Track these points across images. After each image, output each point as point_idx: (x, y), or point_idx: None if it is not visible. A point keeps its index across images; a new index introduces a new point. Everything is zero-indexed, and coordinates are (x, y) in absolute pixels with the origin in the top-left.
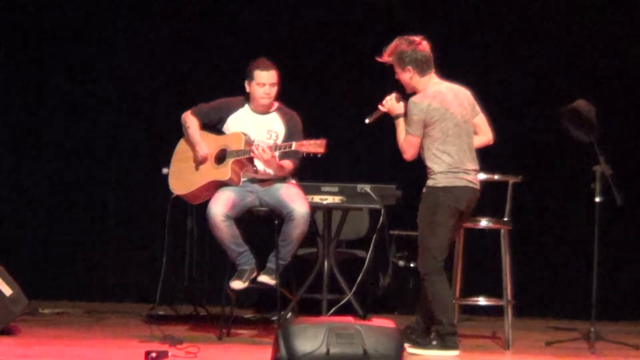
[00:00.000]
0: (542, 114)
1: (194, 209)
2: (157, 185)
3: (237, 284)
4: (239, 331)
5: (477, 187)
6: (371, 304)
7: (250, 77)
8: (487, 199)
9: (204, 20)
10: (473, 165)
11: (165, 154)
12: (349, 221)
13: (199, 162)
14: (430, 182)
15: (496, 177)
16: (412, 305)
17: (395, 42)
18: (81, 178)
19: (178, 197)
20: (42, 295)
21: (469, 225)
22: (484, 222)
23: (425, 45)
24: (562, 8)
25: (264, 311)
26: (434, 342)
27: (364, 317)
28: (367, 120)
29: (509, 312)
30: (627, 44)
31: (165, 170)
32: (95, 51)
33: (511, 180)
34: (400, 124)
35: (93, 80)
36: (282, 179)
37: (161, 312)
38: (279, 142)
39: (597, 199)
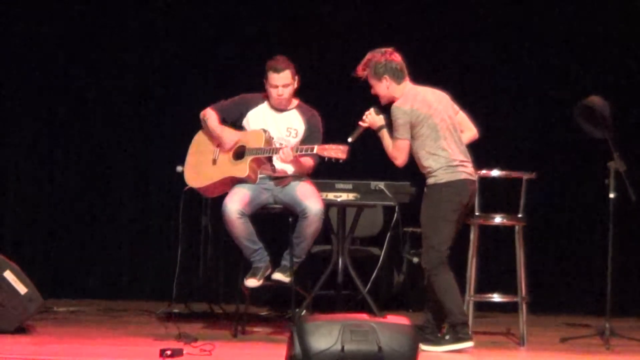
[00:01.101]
0: (556, 111)
1: (209, 207)
2: (171, 182)
3: (251, 282)
4: (254, 329)
5: (475, 178)
6: (385, 301)
7: (265, 77)
8: (502, 195)
9: (220, 14)
10: (466, 158)
11: (180, 151)
12: (363, 218)
13: (219, 154)
14: (431, 181)
15: (510, 173)
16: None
17: (368, 56)
18: (95, 176)
19: (192, 190)
20: (57, 293)
21: (483, 222)
22: (498, 219)
23: (397, 55)
24: (578, 2)
25: (278, 309)
26: (447, 337)
27: (378, 314)
28: (349, 139)
29: (524, 308)
30: None
31: (179, 168)
32: (109, 48)
33: (525, 176)
34: (385, 135)
35: (106, 76)
36: (298, 177)
37: (176, 310)
38: (298, 139)
39: (612, 195)
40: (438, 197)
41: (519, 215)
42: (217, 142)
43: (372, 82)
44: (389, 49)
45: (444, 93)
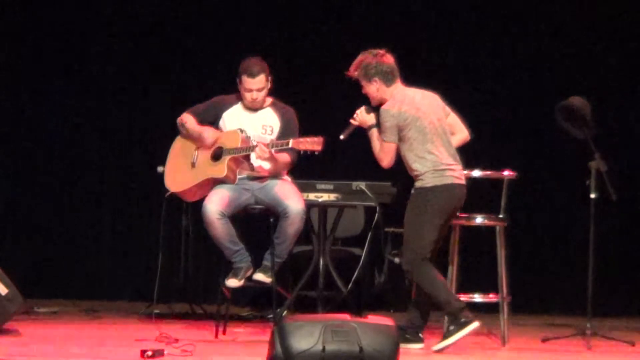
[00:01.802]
0: (537, 110)
1: (189, 207)
2: (152, 183)
3: (232, 282)
4: (235, 329)
5: (464, 182)
6: (367, 301)
7: (239, 79)
8: (483, 195)
9: (200, 16)
10: (455, 161)
11: (161, 152)
12: (344, 219)
13: (198, 157)
14: (418, 184)
15: (491, 173)
16: (408, 302)
17: (360, 57)
18: (76, 176)
19: (173, 195)
20: (38, 294)
21: (464, 222)
22: (479, 219)
23: (389, 57)
24: (558, 2)
25: (259, 309)
26: (451, 328)
27: (359, 315)
28: (341, 137)
29: (505, 308)
30: (624, 39)
31: (160, 169)
32: (90, 48)
33: (506, 176)
34: (374, 134)
35: (87, 78)
36: (276, 176)
37: (157, 311)
38: (274, 136)
39: (592, 195)
40: (424, 201)
41: (500, 216)
42: (197, 144)
43: (363, 83)
44: (381, 51)
45: (434, 95)
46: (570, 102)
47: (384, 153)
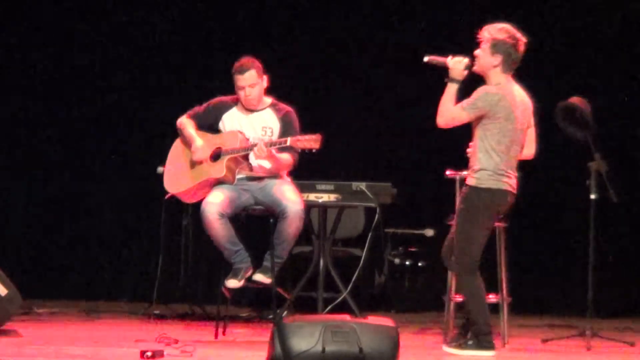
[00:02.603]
0: (537, 111)
1: (190, 208)
2: (152, 184)
3: (232, 283)
4: (235, 330)
5: (515, 192)
6: (367, 302)
7: (233, 80)
8: None
9: (198, 18)
10: (514, 172)
11: (161, 152)
12: (344, 219)
13: (194, 159)
14: (472, 182)
15: None
16: (408, 303)
17: (503, 27)
18: (76, 177)
19: (173, 197)
20: (38, 294)
21: None
22: None
23: (523, 48)
24: (557, 3)
25: (259, 310)
26: (470, 342)
27: (359, 315)
28: (425, 59)
29: (505, 309)
30: (624, 40)
31: (160, 169)
32: (88, 49)
33: None
34: (451, 89)
35: (87, 79)
36: (277, 176)
37: (157, 312)
38: (274, 137)
39: (593, 196)
40: (476, 201)
41: (501, 216)
42: (203, 140)
43: (485, 47)
44: (523, 39)
45: (529, 101)
46: (570, 102)
47: (451, 117)
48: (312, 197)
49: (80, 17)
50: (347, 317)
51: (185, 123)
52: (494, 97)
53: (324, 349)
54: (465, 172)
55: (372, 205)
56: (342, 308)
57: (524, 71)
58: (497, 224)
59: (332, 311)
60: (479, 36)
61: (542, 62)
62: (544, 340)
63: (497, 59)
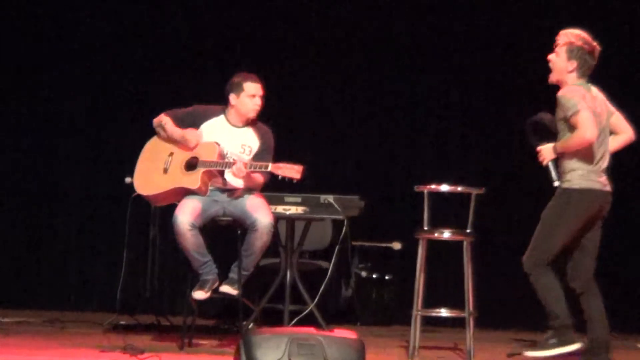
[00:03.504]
0: (505, 126)
1: (157, 217)
2: (119, 193)
3: (199, 294)
4: (201, 341)
5: (609, 189)
6: (333, 314)
7: (238, 89)
8: (451, 210)
9: (180, 31)
10: (605, 168)
11: (128, 161)
12: (312, 232)
13: (171, 163)
14: (565, 184)
15: (459, 188)
16: (375, 316)
17: (581, 34)
18: (41, 185)
19: (139, 200)
20: (3, 303)
21: (431, 236)
22: (446, 234)
23: (597, 54)
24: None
25: (226, 321)
26: (551, 341)
27: (325, 328)
28: (555, 183)
29: (471, 323)
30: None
31: (128, 180)
32: (60, 55)
33: (474, 191)
34: (559, 144)
35: (57, 85)
36: (249, 191)
37: (122, 322)
38: (251, 156)
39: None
40: (567, 201)
41: (468, 231)
42: (178, 146)
43: (559, 51)
44: (598, 47)
45: (600, 92)
46: (539, 118)
47: (584, 124)
48: (279, 209)
49: (59, 18)
50: (313, 329)
51: (167, 120)
52: (575, 98)
53: None
54: (433, 186)
55: (340, 217)
56: (308, 320)
57: (499, 79)
58: (464, 237)
59: (298, 323)
60: (556, 39)
61: (511, 76)
62: (510, 355)
63: (573, 65)
